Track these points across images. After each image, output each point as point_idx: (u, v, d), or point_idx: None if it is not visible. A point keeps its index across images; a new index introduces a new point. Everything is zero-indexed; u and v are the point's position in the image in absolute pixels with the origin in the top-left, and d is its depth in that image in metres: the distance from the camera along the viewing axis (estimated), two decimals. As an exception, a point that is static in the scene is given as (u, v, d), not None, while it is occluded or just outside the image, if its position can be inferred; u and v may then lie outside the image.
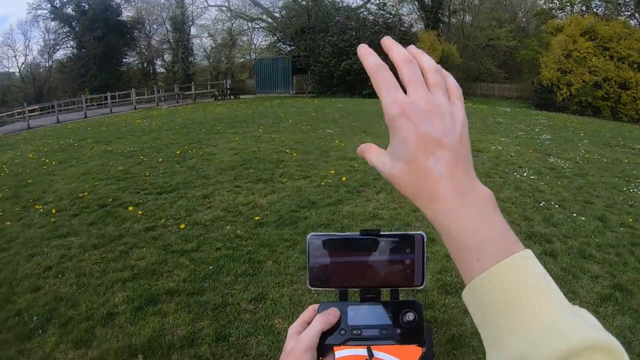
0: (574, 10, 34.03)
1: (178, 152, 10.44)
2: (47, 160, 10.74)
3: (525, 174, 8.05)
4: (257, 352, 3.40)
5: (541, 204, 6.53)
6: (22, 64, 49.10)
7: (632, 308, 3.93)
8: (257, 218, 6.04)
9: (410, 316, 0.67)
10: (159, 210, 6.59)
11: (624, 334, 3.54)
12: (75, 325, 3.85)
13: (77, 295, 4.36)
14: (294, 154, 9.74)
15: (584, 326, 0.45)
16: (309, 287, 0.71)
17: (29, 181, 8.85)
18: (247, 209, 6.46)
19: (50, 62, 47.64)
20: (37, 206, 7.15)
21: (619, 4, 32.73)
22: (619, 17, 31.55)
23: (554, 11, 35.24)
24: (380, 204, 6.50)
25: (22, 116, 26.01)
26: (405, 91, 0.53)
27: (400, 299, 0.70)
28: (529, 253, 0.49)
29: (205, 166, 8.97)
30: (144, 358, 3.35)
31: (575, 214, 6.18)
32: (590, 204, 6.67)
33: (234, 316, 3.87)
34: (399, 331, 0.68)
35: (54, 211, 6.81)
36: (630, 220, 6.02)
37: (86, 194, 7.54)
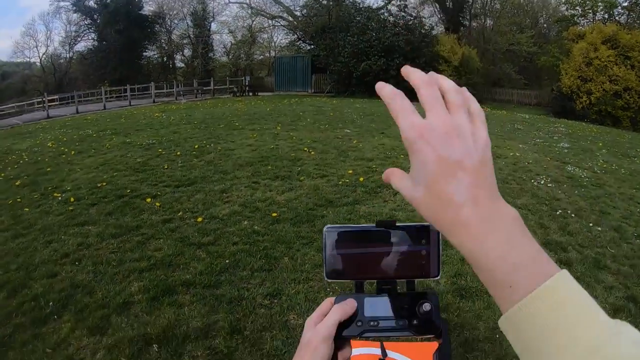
0: (596, 18, 33.80)
1: (196, 146, 10.47)
2: (66, 150, 10.84)
3: (542, 182, 7.97)
4: (271, 346, 3.39)
5: (557, 212, 6.45)
6: (43, 54, 49.71)
7: None
8: (274, 214, 6.03)
9: (426, 306, 0.66)
10: (177, 202, 6.61)
11: None
12: (91, 313, 3.87)
13: (94, 283, 4.38)
14: (312, 153, 9.73)
15: (627, 346, 0.42)
16: (326, 279, 0.71)
17: (48, 169, 8.93)
18: (264, 205, 6.46)
19: (71, 54, 48.19)
20: (55, 194, 7.21)
21: (643, 13, 32.41)
22: (641, 26, 31.20)
23: (575, 18, 34.97)
24: (397, 206, 6.47)
25: (41, 105, 26.30)
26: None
27: (416, 290, 0.70)
28: (564, 275, 0.47)
29: (224, 161, 8.99)
30: (158, 347, 3.35)
31: (591, 224, 6.09)
32: (606, 214, 6.58)
33: (249, 310, 3.86)
34: (415, 322, 0.67)
35: (72, 199, 6.86)
36: None
37: (104, 184, 7.59)
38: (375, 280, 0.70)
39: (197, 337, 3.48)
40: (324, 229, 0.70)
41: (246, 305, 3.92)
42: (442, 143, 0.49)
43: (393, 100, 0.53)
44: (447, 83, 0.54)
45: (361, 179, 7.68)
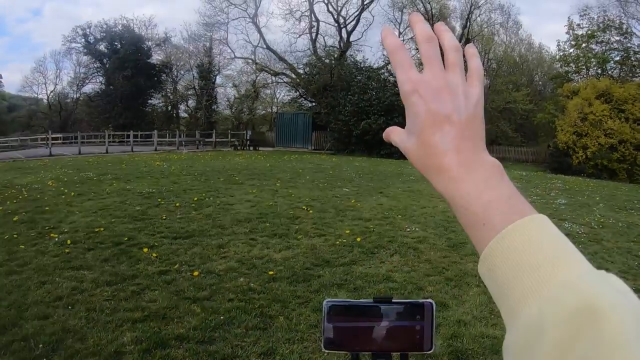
0: (590, 73, 34.74)
1: (195, 198, 10.54)
2: (66, 190, 10.89)
3: None
4: (264, 410, 3.34)
5: None
6: (51, 92, 50.67)
7: None
8: (271, 272, 6.02)
9: None
10: (174, 255, 6.60)
11: None
12: (82, 359, 3.82)
13: (86, 330, 4.33)
14: (310, 211, 9.79)
15: (605, 285, 0.42)
16: (323, 349, 0.75)
17: (47, 208, 8.95)
18: (261, 262, 6.45)
19: (78, 94, 49.23)
20: (52, 234, 7.21)
21: (634, 66, 33.33)
22: (634, 79, 32.24)
23: (570, 74, 36.03)
24: (393, 267, 6.48)
25: (45, 142, 26.54)
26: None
27: None
28: (542, 217, 0.48)
29: (222, 215, 9.03)
30: (149, 403, 3.31)
31: None
32: (604, 270, 6.53)
33: (243, 370, 3.82)
34: None
35: (69, 242, 6.85)
36: None
37: (102, 229, 7.59)
38: (370, 353, 0.74)
39: (188, 395, 3.44)
40: (324, 302, 0.75)
41: (240, 365, 3.89)
42: (434, 98, 0.52)
43: (394, 53, 0.55)
44: (448, 41, 0.56)
45: (358, 239, 7.71)
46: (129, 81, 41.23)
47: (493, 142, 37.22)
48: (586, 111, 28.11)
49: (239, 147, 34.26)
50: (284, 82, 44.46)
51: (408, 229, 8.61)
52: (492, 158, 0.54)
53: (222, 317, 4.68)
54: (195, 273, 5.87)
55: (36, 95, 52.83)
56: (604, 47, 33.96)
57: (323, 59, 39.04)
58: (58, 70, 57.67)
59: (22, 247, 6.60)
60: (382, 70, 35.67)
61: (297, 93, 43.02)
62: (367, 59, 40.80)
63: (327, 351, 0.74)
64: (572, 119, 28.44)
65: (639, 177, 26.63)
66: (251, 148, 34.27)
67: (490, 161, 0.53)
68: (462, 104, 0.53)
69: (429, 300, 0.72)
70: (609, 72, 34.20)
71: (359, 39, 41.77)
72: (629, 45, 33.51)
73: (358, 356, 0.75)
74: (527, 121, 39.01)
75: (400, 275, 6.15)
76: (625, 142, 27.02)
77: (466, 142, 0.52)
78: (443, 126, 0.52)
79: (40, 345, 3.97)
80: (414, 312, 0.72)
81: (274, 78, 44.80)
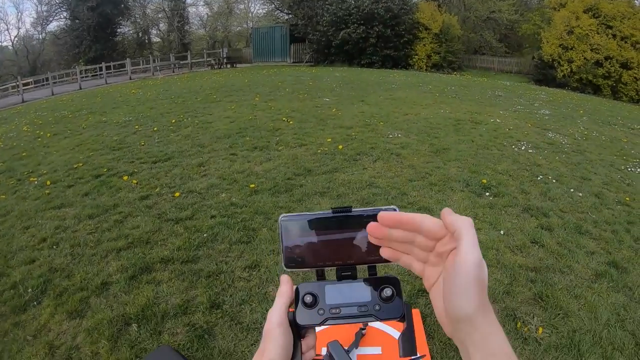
0: None
1: (173, 120, 10.35)
2: (41, 133, 10.65)
3: (523, 148, 8.02)
4: (250, 319, 3.38)
5: (539, 178, 6.48)
6: (15, 37, 48.77)
7: (626, 286, 3.88)
8: (252, 186, 5.98)
9: (388, 292, 0.67)
10: (154, 179, 6.53)
11: (618, 311, 3.50)
12: (70, 296, 3.82)
13: (72, 266, 4.33)
14: (291, 122, 9.67)
15: None
16: (284, 268, 0.70)
17: (23, 154, 8.76)
18: (242, 176, 6.40)
19: (44, 35, 47.24)
20: (31, 179, 7.08)
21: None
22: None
23: None
24: (376, 173, 6.46)
25: (16, 90, 25.66)
26: None
27: (377, 275, 0.70)
28: None
29: (201, 134, 8.90)
30: (138, 327, 3.33)
31: (572, 190, 6.12)
32: (587, 180, 6.61)
33: (227, 284, 3.84)
34: (377, 307, 0.67)
35: (48, 183, 6.74)
36: (627, 198, 5.96)
37: (81, 164, 7.47)
38: (335, 268, 0.70)
39: (176, 314, 3.46)
40: (280, 218, 0.69)
41: (225, 279, 3.90)
42: None
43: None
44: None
45: (340, 146, 7.65)
46: (95, 12, 39.20)
47: (477, 52, 36.26)
48: (573, 24, 27.10)
49: (215, 67, 33.33)
50: (258, -6, 42.83)
51: (390, 136, 8.53)
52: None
53: (205, 235, 4.69)
54: (177, 194, 5.83)
55: (0, 44, 50.98)
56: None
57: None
58: (19, 14, 55.42)
59: (3, 197, 6.48)
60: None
61: (273, 6, 41.53)
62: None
63: (289, 270, 0.69)
64: (558, 31, 27.47)
65: (623, 94, 26.04)
66: (228, 66, 33.42)
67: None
68: None
69: (392, 206, 0.66)
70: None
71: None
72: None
73: (323, 272, 0.71)
74: (512, 32, 37.45)
75: (384, 181, 6.13)
76: (611, 58, 26.16)
77: None
78: None
79: (30, 290, 3.97)
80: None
81: (247, -9, 43.08)
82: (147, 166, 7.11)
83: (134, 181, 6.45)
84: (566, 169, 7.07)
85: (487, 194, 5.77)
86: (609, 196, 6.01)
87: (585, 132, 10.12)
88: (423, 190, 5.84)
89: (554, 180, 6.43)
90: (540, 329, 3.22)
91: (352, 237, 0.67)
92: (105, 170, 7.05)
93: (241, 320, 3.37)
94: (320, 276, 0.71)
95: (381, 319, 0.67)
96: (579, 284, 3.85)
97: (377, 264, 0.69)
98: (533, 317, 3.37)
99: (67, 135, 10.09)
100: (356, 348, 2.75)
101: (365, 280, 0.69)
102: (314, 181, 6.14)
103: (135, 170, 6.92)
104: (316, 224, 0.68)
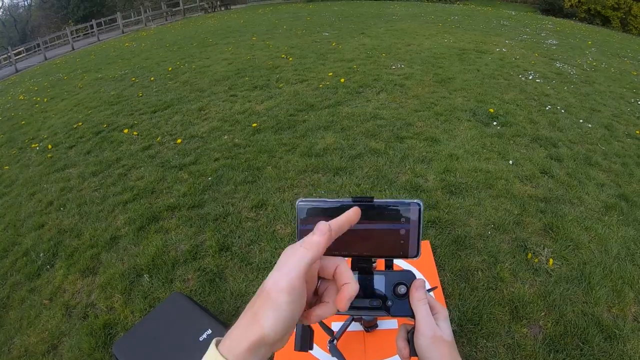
0: None
1: (170, 68, 10.14)
2: (38, 99, 10.52)
3: (530, 77, 7.71)
4: (260, 259, 3.33)
5: (547, 108, 6.24)
6: (0, 8, 47.71)
7: (636, 219, 3.76)
8: (254, 125, 5.84)
9: (402, 289, 0.66)
10: (155, 128, 6.42)
11: (628, 245, 3.39)
12: (81, 255, 3.80)
13: (80, 225, 4.29)
14: (290, 59, 9.44)
15: None
16: None
17: (22, 123, 8.65)
18: (243, 117, 6.25)
19: (29, 0, 46.19)
20: (33, 145, 7.00)
21: None
22: None
23: None
24: (380, 104, 6.27)
25: (8, 61, 25.25)
26: None
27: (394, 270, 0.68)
28: None
29: (199, 79, 8.71)
30: (149, 277, 3.28)
31: (581, 120, 5.89)
32: (597, 111, 6.34)
33: (235, 225, 3.78)
34: (390, 303, 0.66)
35: (49, 147, 6.66)
36: (637, 132, 5.71)
37: (80, 124, 7.35)
38: (350, 257, 0.66)
39: (186, 260, 3.41)
40: (297, 202, 0.65)
41: (232, 221, 3.83)
42: None
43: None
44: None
45: (342, 80, 7.45)
46: (80, -33, 38.41)
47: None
48: (582, -49, 25.72)
49: (209, 10, 32.49)
50: None
51: (393, 67, 8.24)
52: None
53: (210, 179, 4.60)
54: (179, 141, 5.72)
55: (-14, 17, 50.07)
56: None
57: None
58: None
59: (7, 167, 6.41)
60: None
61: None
62: None
63: None
64: (567, -42, 26.12)
65: (633, 27, 24.91)
66: (223, 9, 32.55)
67: None
68: None
69: (416, 200, 0.62)
70: None
71: None
72: None
73: None
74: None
75: (388, 112, 5.95)
76: (621, -11, 24.93)
77: None
78: None
79: (41, 254, 3.95)
80: (398, 214, 0.63)
81: None
82: (146, 117, 6.97)
83: (135, 133, 6.35)
84: (575, 99, 6.79)
85: (495, 123, 5.59)
86: (618, 128, 5.78)
87: (594, 64, 9.69)
88: (429, 121, 5.66)
89: (562, 111, 6.19)
90: (551, 260, 3.15)
91: (371, 228, 0.63)
92: (105, 125, 6.93)
93: (251, 261, 3.32)
94: None
95: (393, 316, 0.66)
96: (589, 216, 3.74)
97: (394, 259, 0.66)
98: (543, 248, 3.29)
99: (64, 97, 9.93)
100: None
101: (381, 273, 0.67)
102: (317, 116, 5.97)
103: (135, 122, 6.80)
104: (334, 212, 0.60)
